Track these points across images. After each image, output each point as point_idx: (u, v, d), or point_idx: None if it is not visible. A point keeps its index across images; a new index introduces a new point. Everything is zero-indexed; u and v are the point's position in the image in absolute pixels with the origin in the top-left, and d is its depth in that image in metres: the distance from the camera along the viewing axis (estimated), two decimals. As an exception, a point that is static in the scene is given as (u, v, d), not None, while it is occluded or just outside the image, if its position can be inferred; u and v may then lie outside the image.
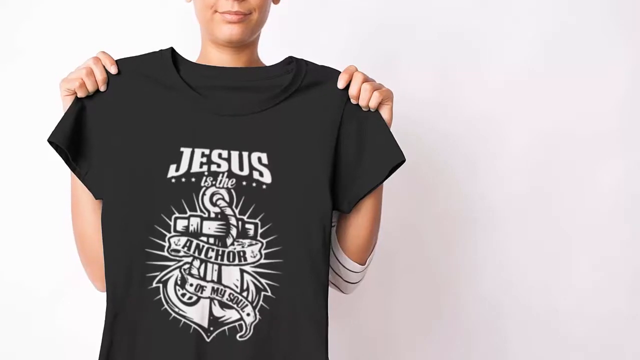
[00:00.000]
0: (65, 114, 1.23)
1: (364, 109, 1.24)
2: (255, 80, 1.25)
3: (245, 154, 1.21)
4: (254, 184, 1.20)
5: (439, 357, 2.12)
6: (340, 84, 1.24)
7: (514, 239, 2.14)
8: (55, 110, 1.29)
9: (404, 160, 1.23)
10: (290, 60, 1.29)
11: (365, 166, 1.24)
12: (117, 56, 1.27)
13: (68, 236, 1.34)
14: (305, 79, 1.25)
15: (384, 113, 1.25)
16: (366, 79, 1.24)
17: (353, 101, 1.24)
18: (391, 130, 1.26)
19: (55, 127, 1.22)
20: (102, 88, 1.23)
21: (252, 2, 1.25)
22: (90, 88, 1.22)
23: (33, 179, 1.94)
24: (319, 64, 1.29)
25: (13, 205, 1.95)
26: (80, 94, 1.22)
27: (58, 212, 1.63)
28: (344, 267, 1.32)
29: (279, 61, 1.29)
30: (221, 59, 1.30)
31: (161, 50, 1.28)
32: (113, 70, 1.23)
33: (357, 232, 1.29)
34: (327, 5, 2.03)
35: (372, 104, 1.23)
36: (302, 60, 1.28)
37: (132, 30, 1.94)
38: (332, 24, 2.03)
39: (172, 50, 1.28)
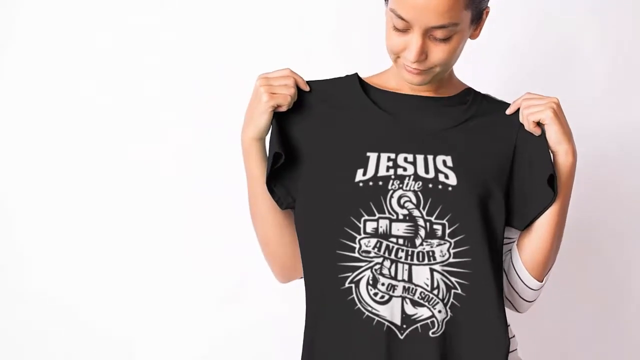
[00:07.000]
0: (272, 132, 1.28)
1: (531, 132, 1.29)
2: (436, 108, 1.31)
3: (430, 157, 1.26)
4: (439, 186, 1.24)
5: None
6: (509, 111, 1.31)
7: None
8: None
9: (553, 175, 1.25)
10: (469, 91, 1.35)
11: (535, 188, 1.28)
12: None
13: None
14: (480, 108, 1.32)
15: (547, 132, 1.27)
16: (528, 106, 1.28)
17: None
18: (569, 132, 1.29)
19: (270, 145, 1.28)
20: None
21: (433, 60, 1.23)
22: (290, 105, 1.29)
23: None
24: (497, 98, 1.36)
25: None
26: (284, 109, 1.28)
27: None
28: (522, 281, 1.33)
29: (460, 91, 1.35)
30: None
31: (347, 75, 1.35)
32: (307, 89, 1.31)
33: (537, 247, 1.31)
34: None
35: (527, 127, 1.28)
36: (479, 92, 1.36)
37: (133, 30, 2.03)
38: (505, 15, 2.00)
39: (357, 75, 1.35)
